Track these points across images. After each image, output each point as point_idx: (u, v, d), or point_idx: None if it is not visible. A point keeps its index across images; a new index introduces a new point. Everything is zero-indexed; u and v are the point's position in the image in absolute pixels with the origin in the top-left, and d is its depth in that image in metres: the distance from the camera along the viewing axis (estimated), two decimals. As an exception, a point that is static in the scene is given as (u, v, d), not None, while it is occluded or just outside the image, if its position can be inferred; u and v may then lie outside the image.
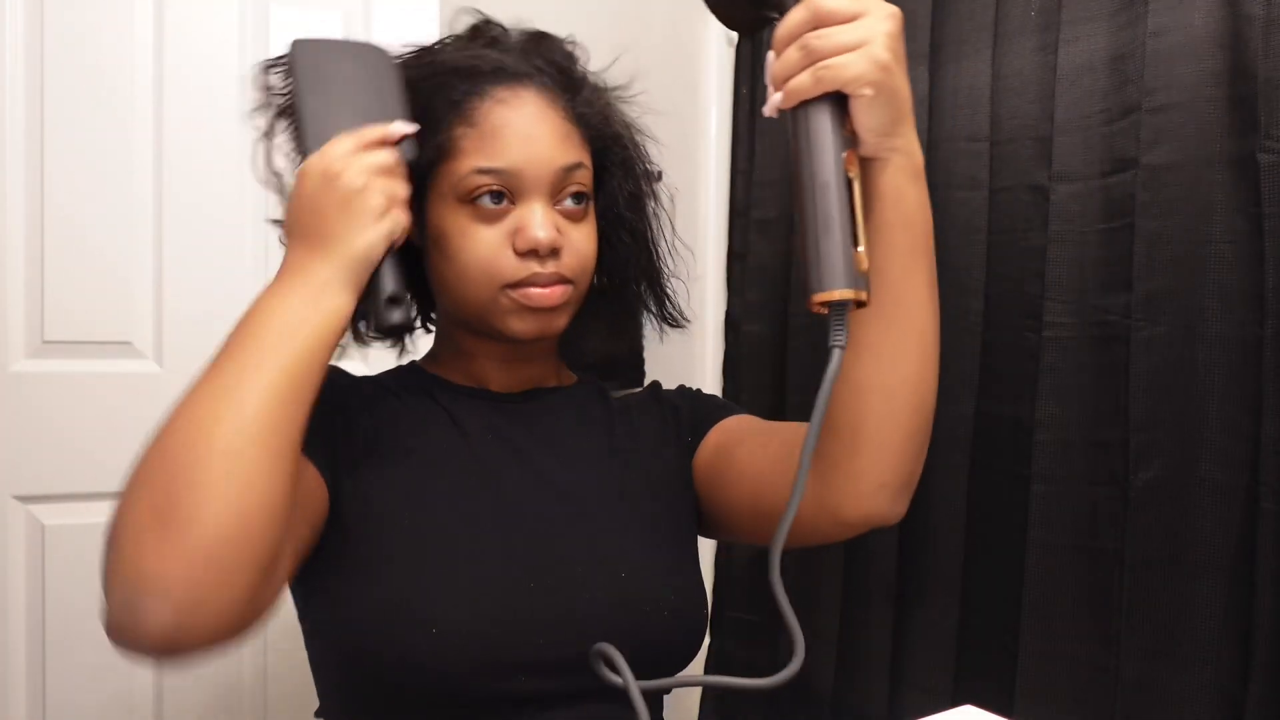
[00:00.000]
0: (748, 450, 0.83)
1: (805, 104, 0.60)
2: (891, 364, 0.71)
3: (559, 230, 0.73)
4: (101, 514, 1.38)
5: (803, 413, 1.42)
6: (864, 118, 0.61)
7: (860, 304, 0.59)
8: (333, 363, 0.66)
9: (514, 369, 0.82)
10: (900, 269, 0.69)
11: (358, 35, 1.44)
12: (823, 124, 0.60)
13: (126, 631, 0.56)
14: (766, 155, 1.62)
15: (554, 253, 0.72)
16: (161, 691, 1.35)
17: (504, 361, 0.81)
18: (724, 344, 1.73)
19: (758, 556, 1.56)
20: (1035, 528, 1.15)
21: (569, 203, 0.74)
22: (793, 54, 0.60)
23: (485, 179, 0.71)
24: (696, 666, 1.66)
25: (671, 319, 0.88)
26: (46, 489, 1.29)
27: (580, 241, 0.75)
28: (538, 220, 0.71)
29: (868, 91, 0.60)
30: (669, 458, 0.86)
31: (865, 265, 0.59)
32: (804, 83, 0.60)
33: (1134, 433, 1.06)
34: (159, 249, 1.32)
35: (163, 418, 0.58)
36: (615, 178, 0.81)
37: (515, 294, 0.73)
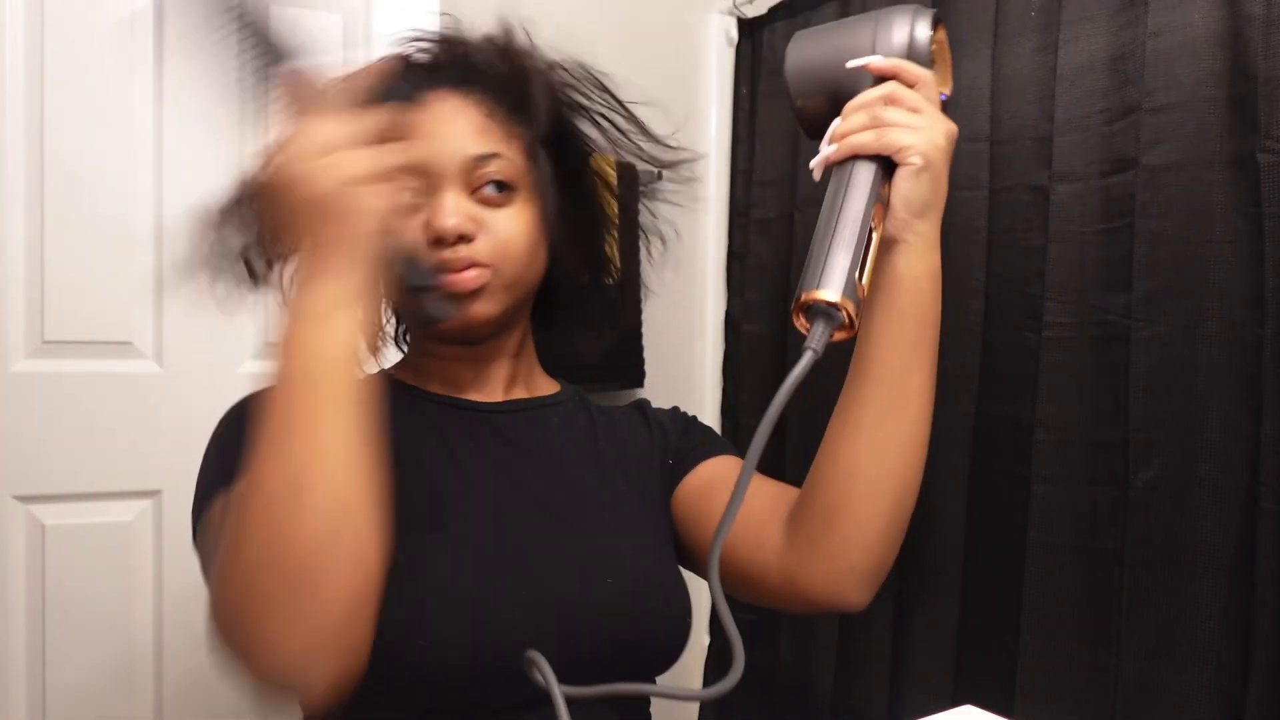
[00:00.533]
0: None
1: (855, 158, 0.65)
2: (882, 452, 0.73)
3: (473, 218, 0.73)
4: (101, 514, 1.39)
5: (803, 413, 1.43)
6: (905, 186, 0.67)
7: (848, 325, 0.59)
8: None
9: (486, 373, 0.82)
10: (906, 358, 0.72)
11: (358, 36, 1.44)
12: (867, 173, 0.65)
13: (252, 673, 0.58)
14: (766, 155, 1.62)
15: (464, 239, 0.72)
16: (162, 691, 1.35)
17: (474, 364, 0.81)
18: (724, 344, 1.73)
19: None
20: (1035, 528, 1.15)
21: (489, 190, 0.74)
22: (859, 117, 0.66)
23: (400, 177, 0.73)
24: (695, 666, 1.66)
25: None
26: (46, 489, 1.29)
27: (501, 227, 0.74)
28: (443, 208, 0.72)
29: (917, 160, 0.66)
30: (652, 471, 0.86)
31: (864, 294, 0.61)
32: (865, 138, 0.65)
33: (1134, 433, 1.06)
34: (159, 249, 1.32)
35: (239, 506, 0.58)
36: (561, 165, 0.81)
37: (437, 281, 0.73)
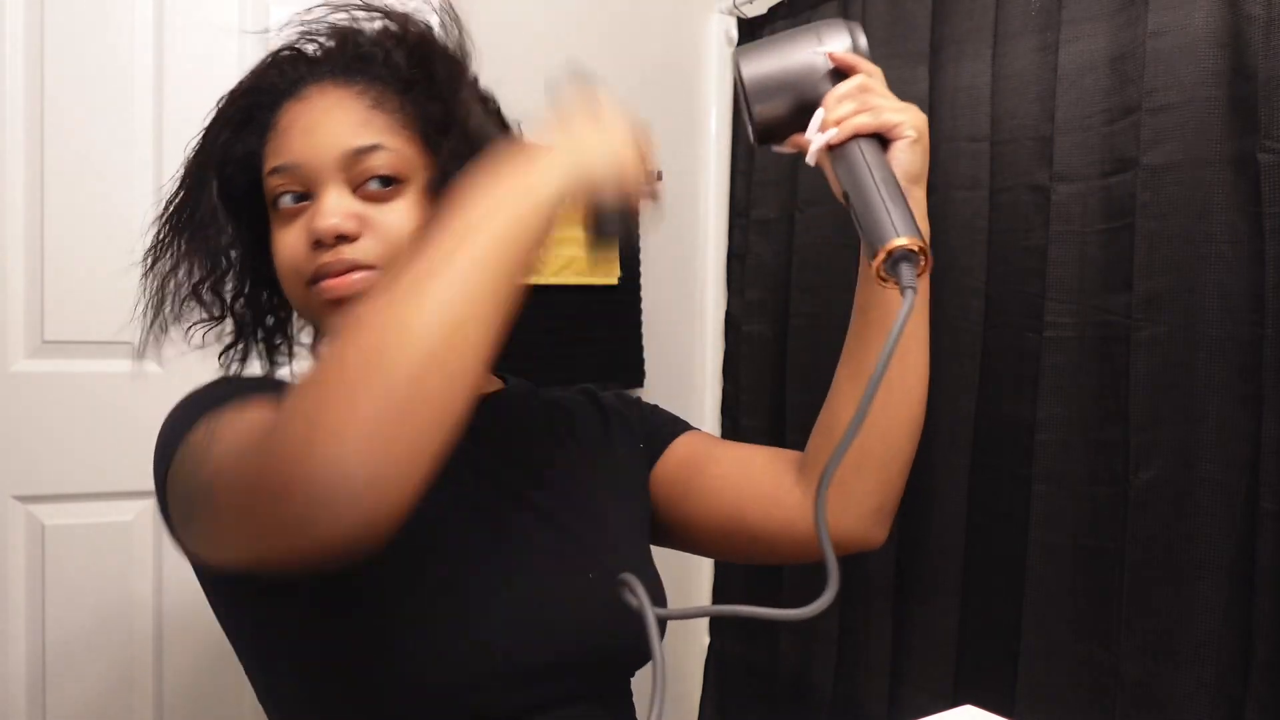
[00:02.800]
0: (721, 470, 0.84)
1: (855, 138, 0.71)
2: (893, 397, 0.78)
3: (356, 215, 0.69)
4: (101, 514, 1.39)
5: (804, 411, 1.43)
6: (904, 157, 0.72)
7: (924, 261, 0.64)
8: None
9: None
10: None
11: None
12: (873, 147, 0.71)
13: (291, 477, 0.45)
14: (766, 155, 1.61)
15: (345, 239, 0.68)
16: (162, 691, 1.35)
17: None
18: (724, 344, 1.73)
19: (758, 556, 1.57)
20: (1036, 528, 1.15)
21: (373, 185, 0.70)
22: (849, 104, 0.71)
23: (278, 179, 0.70)
24: (696, 666, 1.66)
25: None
26: (46, 489, 1.29)
27: (390, 224, 0.69)
28: (321, 209, 0.68)
29: (912, 133, 0.72)
30: (619, 458, 0.85)
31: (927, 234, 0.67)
32: (863, 119, 0.70)
33: (1134, 433, 1.06)
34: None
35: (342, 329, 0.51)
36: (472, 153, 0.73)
37: (315, 289, 0.70)
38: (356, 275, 0.68)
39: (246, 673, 0.75)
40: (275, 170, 0.71)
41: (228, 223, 0.75)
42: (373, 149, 0.69)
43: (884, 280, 0.64)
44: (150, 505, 1.34)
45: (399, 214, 0.70)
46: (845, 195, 0.70)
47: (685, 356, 1.78)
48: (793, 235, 1.52)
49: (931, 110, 1.29)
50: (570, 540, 0.76)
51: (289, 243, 0.71)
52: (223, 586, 0.74)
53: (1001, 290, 1.22)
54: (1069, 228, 1.14)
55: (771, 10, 1.63)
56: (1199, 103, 1.02)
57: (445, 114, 0.72)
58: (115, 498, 1.32)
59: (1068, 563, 1.13)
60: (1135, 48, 1.07)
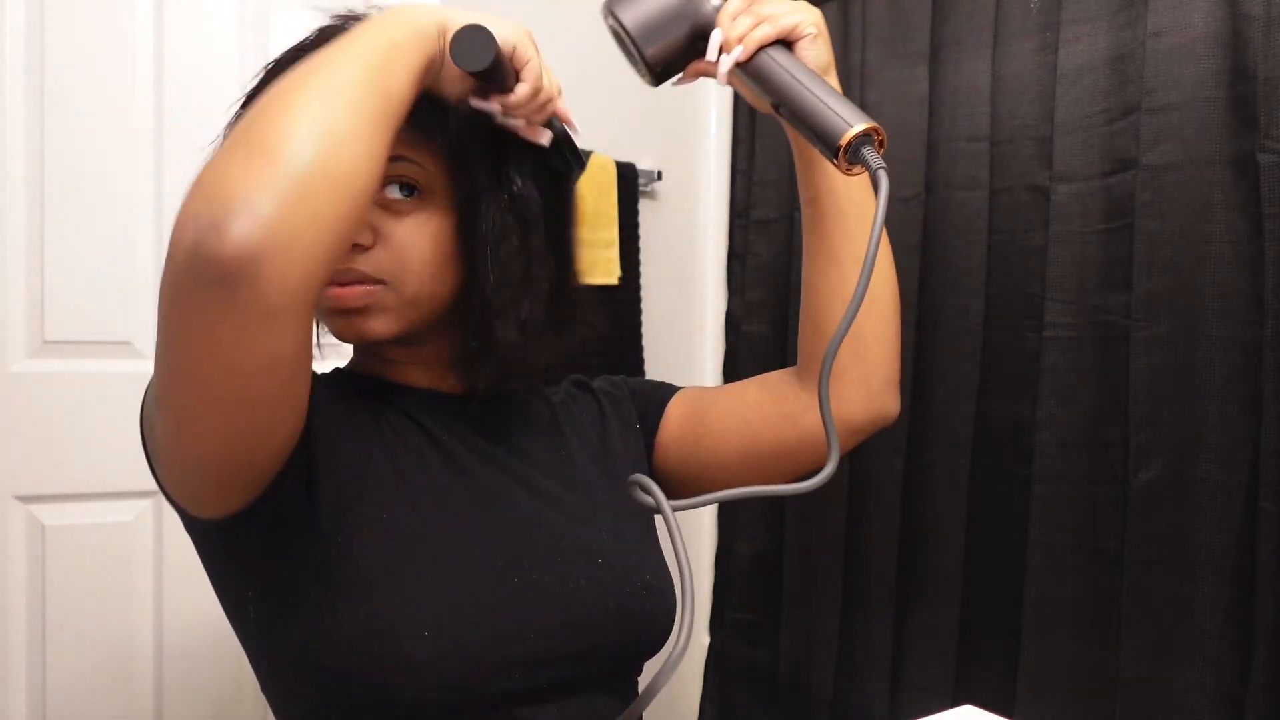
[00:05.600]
0: (723, 409, 0.87)
1: (762, 50, 0.73)
2: (885, 268, 0.82)
3: (374, 227, 0.68)
4: (101, 514, 1.39)
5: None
6: (810, 53, 0.74)
7: (881, 142, 0.66)
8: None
9: (437, 370, 0.78)
10: (850, 186, 0.80)
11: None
12: (783, 52, 0.73)
13: (207, 249, 0.51)
14: (766, 155, 1.62)
15: (357, 246, 0.68)
16: (162, 692, 1.35)
17: (422, 365, 0.78)
18: (724, 344, 1.73)
19: (757, 557, 1.57)
20: (1036, 528, 1.15)
21: (395, 192, 0.69)
22: (745, 20, 0.73)
23: None
24: (696, 666, 1.66)
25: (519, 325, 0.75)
26: (46, 489, 1.29)
27: (401, 238, 0.69)
28: None
29: (812, 29, 0.75)
30: (616, 444, 0.86)
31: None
32: (763, 31, 0.73)
33: (1134, 433, 1.06)
34: (159, 249, 1.32)
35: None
36: (469, 172, 0.73)
37: (324, 294, 0.69)
38: (359, 289, 0.68)
39: (250, 660, 0.75)
40: None
41: None
42: (395, 159, 0.68)
43: (849, 170, 0.66)
44: (150, 505, 1.34)
45: (413, 229, 0.70)
46: (776, 106, 0.72)
47: (685, 356, 1.78)
48: (793, 235, 1.52)
49: (931, 110, 1.29)
50: (575, 530, 0.76)
51: None
52: (218, 550, 0.72)
53: (1001, 290, 1.22)
54: (1069, 228, 1.14)
55: (771, 10, 1.63)
56: (1199, 103, 1.02)
57: (463, 133, 0.71)
58: (115, 498, 1.32)
59: (1068, 563, 1.13)
60: (1135, 48, 1.07)
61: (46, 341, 1.29)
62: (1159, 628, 1.04)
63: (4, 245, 1.26)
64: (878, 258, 0.70)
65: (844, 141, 0.65)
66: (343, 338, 0.72)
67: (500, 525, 0.73)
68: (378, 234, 0.69)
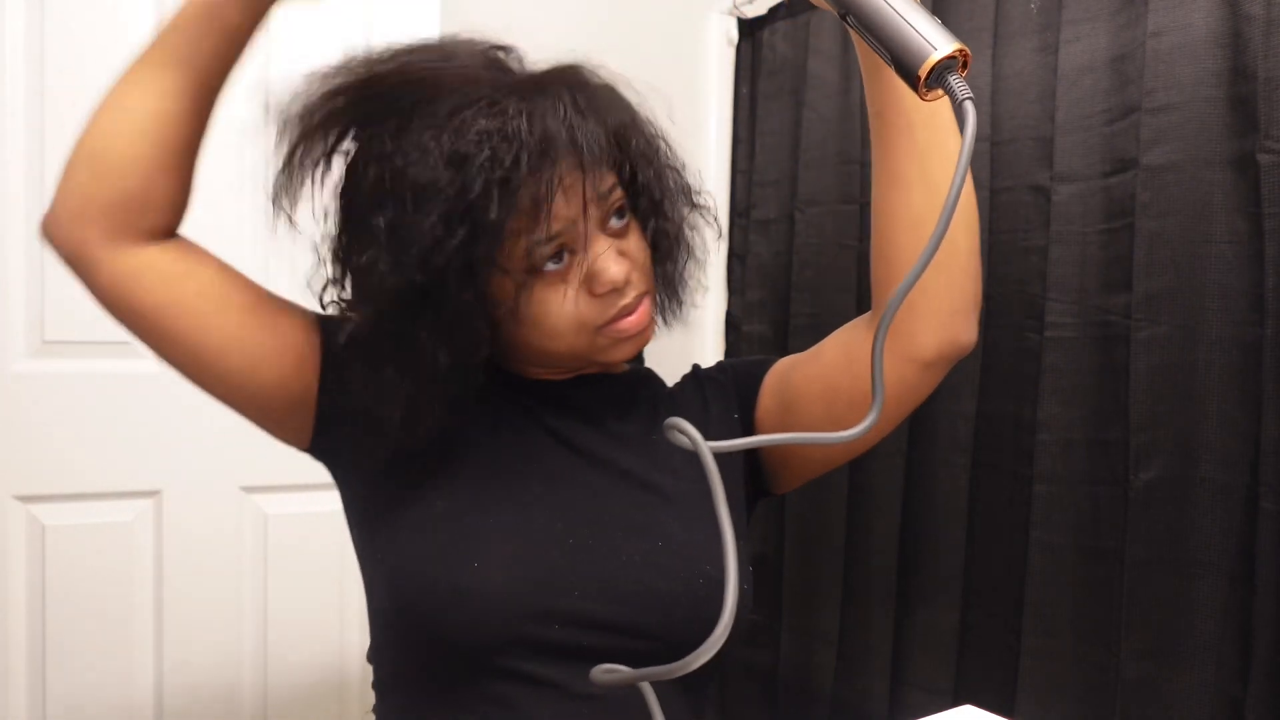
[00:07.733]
0: (803, 373, 0.86)
1: None
2: (938, 193, 0.74)
3: (622, 252, 0.74)
4: (101, 514, 1.39)
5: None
6: None
7: (964, 64, 0.59)
8: None
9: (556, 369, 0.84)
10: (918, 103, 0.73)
11: (357, 35, 1.44)
12: None
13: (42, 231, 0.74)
14: (766, 155, 1.62)
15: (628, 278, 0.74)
16: (162, 691, 1.35)
17: (547, 367, 0.83)
18: (724, 344, 1.73)
19: (757, 557, 1.57)
20: (1036, 527, 1.15)
21: (614, 222, 0.74)
22: None
23: (544, 249, 0.71)
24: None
25: (676, 310, 0.90)
26: (46, 489, 1.29)
27: (638, 252, 0.76)
28: (608, 262, 0.72)
29: None
30: (713, 436, 0.86)
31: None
32: None
33: (1134, 433, 1.06)
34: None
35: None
36: (639, 174, 0.79)
37: (609, 330, 0.75)
38: (645, 304, 0.76)
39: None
40: (541, 241, 0.70)
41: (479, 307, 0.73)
42: (611, 189, 0.73)
43: (927, 95, 0.59)
44: (150, 505, 1.34)
45: (636, 241, 0.77)
46: (843, 14, 0.63)
47: (685, 356, 1.78)
48: (793, 235, 1.52)
49: (931, 110, 1.29)
50: (642, 512, 0.78)
51: (569, 299, 0.73)
52: (335, 468, 0.82)
53: (1002, 290, 1.22)
54: (1069, 228, 1.14)
55: (771, 10, 1.63)
56: (1199, 103, 1.02)
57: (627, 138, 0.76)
58: (115, 498, 1.32)
59: (1068, 563, 1.13)
60: (1135, 48, 1.07)
61: (46, 341, 1.29)
62: (1159, 628, 1.04)
63: (4, 245, 1.26)
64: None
65: (926, 70, 0.58)
66: (627, 359, 0.80)
67: (567, 498, 0.78)
68: (626, 255, 0.75)
